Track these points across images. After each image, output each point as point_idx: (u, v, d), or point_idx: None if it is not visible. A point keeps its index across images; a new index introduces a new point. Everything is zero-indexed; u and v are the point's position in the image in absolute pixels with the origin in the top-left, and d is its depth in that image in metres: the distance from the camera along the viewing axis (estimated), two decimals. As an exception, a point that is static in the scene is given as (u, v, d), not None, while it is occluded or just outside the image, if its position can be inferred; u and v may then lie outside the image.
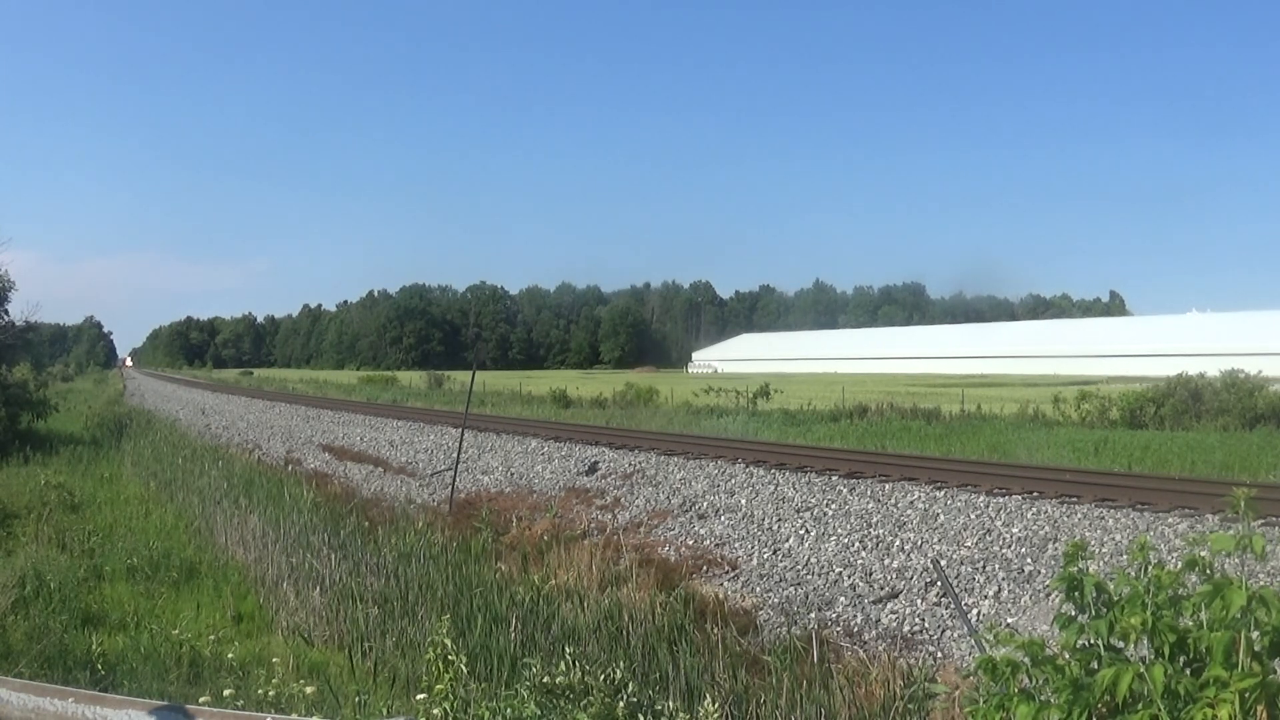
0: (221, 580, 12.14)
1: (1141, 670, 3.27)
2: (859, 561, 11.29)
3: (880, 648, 8.76)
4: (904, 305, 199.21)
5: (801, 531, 12.61)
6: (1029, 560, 10.44)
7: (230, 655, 8.05)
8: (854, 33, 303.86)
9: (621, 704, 5.22)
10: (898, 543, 11.62)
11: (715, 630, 8.87)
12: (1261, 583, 5.57)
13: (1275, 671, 3.31)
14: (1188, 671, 3.39)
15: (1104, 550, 10.36)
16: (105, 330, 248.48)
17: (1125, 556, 7.38)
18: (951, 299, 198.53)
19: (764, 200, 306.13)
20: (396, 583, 10.84)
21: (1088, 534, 10.95)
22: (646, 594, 10.04)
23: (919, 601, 9.87)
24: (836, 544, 11.95)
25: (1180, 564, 3.67)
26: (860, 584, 10.62)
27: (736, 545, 12.53)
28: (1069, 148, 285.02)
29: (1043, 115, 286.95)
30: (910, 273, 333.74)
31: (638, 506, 15.21)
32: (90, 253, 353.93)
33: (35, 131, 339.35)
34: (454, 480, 17.79)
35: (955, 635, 8.97)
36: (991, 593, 9.77)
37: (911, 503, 13.10)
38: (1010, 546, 10.95)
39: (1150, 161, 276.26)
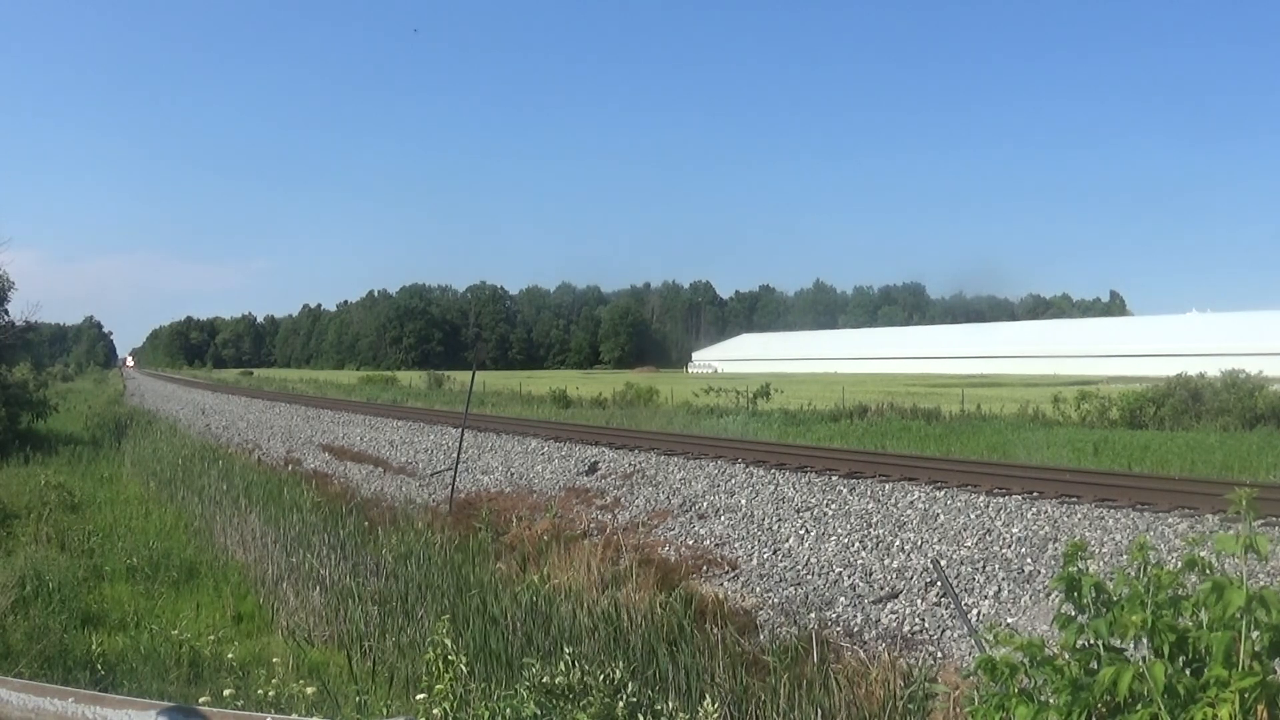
0: (221, 580, 12.14)
1: (1142, 669, 3.27)
2: (859, 561, 11.29)
3: (880, 648, 8.76)
4: (904, 305, 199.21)
5: (801, 531, 12.61)
6: (1029, 560, 10.44)
7: (230, 655, 8.06)
8: (854, 33, 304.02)
9: (621, 704, 5.22)
10: (898, 543, 11.61)
11: (715, 630, 8.86)
12: (1261, 583, 5.56)
13: (1275, 671, 3.31)
14: (1187, 671, 3.39)
15: (1104, 550, 10.35)
16: (105, 330, 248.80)
17: (1125, 556, 7.38)
18: (951, 299, 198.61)
19: (764, 200, 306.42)
20: (396, 583, 10.85)
21: (1088, 534, 10.95)
22: (646, 594, 10.04)
23: (919, 601, 9.87)
24: (836, 544, 11.95)
25: (1180, 564, 3.67)
26: (860, 584, 10.62)
27: (736, 545, 12.53)
28: (1069, 148, 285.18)
29: (1042, 115, 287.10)
30: (910, 273, 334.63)
31: (638, 506, 15.21)
32: (90, 253, 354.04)
33: (35, 131, 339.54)
34: (454, 480, 17.79)
35: (955, 635, 8.96)
36: (991, 593, 9.77)
37: (911, 503, 13.10)
38: (1010, 546, 10.94)
39: (1150, 161, 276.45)
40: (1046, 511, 11.96)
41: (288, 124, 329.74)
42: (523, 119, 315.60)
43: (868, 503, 13.38)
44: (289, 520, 14.15)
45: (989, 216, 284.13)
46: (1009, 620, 9.12)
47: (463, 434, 19.74)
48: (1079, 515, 11.71)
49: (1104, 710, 3.39)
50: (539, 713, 5.12)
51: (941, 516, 12.32)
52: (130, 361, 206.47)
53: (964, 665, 7.86)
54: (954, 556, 10.86)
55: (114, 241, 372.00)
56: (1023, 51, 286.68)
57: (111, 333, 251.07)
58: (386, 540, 13.01)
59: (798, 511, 13.46)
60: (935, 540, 11.47)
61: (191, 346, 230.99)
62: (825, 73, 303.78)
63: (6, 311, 30.39)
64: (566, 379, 75.19)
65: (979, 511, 12.28)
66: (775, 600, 10.42)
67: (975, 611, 9.45)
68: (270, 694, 6.39)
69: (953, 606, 9.25)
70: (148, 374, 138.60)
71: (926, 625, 9.31)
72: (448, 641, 5.18)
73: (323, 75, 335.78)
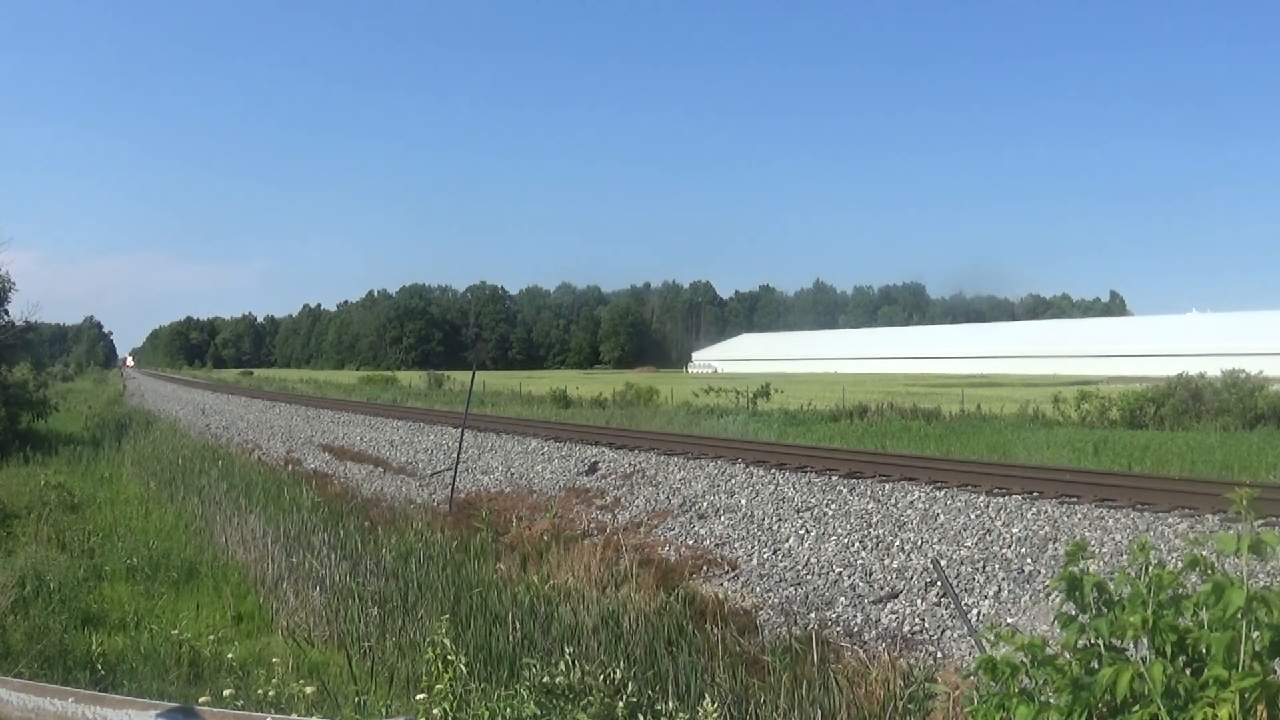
0: (221, 580, 12.14)
1: (1141, 670, 3.27)
2: (859, 561, 11.29)
3: (880, 648, 8.76)
4: (904, 305, 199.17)
5: (801, 531, 12.61)
6: (1029, 560, 10.44)
7: (230, 655, 8.05)
8: (853, 33, 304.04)
9: (621, 704, 5.22)
10: (898, 543, 11.61)
11: (715, 630, 8.86)
12: (1261, 583, 5.56)
13: (1275, 671, 3.31)
14: (1187, 671, 3.39)
15: (1104, 550, 10.35)
16: (105, 330, 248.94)
17: (1125, 556, 7.38)
18: (951, 299, 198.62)
19: (764, 200, 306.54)
20: (396, 583, 10.84)
21: (1088, 534, 10.95)
22: (646, 594, 10.04)
23: (919, 601, 9.87)
24: (836, 544, 11.95)
25: (1181, 564, 3.67)
26: (860, 584, 10.62)
27: (736, 545, 12.53)
28: (1069, 148, 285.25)
29: (1042, 115, 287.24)
30: (910, 273, 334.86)
31: (638, 506, 15.20)
32: (90, 253, 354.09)
33: (35, 132, 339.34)
34: (454, 480, 17.78)
35: (955, 635, 8.96)
36: (991, 593, 9.77)
37: (911, 503, 13.10)
38: (1010, 546, 10.94)
39: (1150, 161, 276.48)
40: (1046, 511, 11.96)
41: (288, 124, 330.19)
42: (523, 119, 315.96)
43: (868, 503, 13.38)
44: (289, 520, 14.13)
45: (989, 216, 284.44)
46: (1009, 620, 9.12)
47: (463, 434, 19.74)
48: (1079, 515, 11.71)
49: (1105, 710, 3.39)
50: (539, 713, 5.12)
51: (941, 516, 12.31)
52: (130, 361, 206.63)
53: (964, 665, 7.85)
54: (954, 556, 10.86)
55: (114, 241, 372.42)
56: (1023, 51, 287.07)
57: (111, 333, 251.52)
58: (386, 540, 13.00)
59: (798, 511, 13.46)
60: (935, 540, 11.47)
61: (191, 346, 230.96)
62: (825, 73, 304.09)
63: (6, 311, 30.39)
64: (566, 379, 75.18)
65: (979, 511, 12.27)
66: (775, 600, 10.42)
67: (975, 611, 9.45)
68: (270, 694, 6.38)
69: (953, 606, 9.25)
70: (148, 374, 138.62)
71: (926, 625, 9.31)
72: (447, 641, 5.18)
73: (323, 75, 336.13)
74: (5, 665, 7.17)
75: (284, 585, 11.23)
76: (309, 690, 6.41)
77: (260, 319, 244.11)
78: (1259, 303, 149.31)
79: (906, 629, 9.29)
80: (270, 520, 14.22)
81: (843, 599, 10.23)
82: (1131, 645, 3.53)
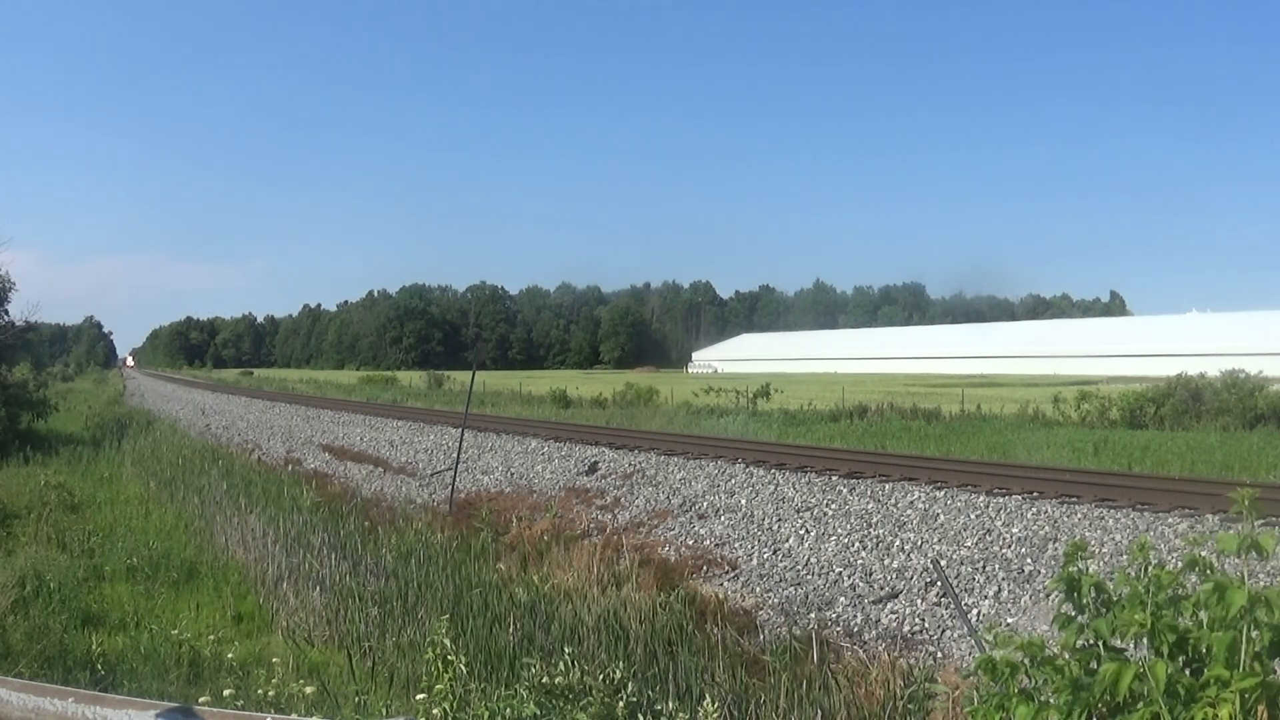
0: (221, 580, 12.14)
1: (1142, 669, 3.27)
2: (859, 561, 11.29)
3: (880, 648, 8.76)
4: (904, 305, 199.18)
5: (801, 531, 12.61)
6: (1029, 560, 10.44)
7: (230, 655, 8.05)
8: (853, 33, 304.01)
9: (621, 704, 5.22)
10: (898, 543, 11.61)
11: (715, 630, 8.86)
12: (1262, 583, 5.56)
13: (1275, 671, 3.31)
14: (1187, 671, 3.39)
15: (1104, 550, 10.36)
16: (105, 330, 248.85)
17: (1125, 556, 7.39)
18: (951, 299, 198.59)
19: (764, 200, 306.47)
20: (396, 583, 10.84)
21: (1088, 534, 10.95)
22: (646, 594, 10.04)
23: (919, 601, 9.87)
24: (836, 544, 11.95)
25: (1180, 564, 3.67)
26: (860, 584, 10.62)
27: (736, 545, 12.53)
28: (1069, 148, 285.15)
29: (1042, 115, 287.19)
30: (910, 273, 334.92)
31: (638, 506, 15.20)
32: (90, 253, 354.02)
33: (35, 132, 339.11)
34: (454, 480, 17.78)
35: (955, 635, 8.96)
36: (991, 593, 9.77)
37: (911, 503, 13.10)
38: (1010, 546, 10.94)
39: (1150, 161, 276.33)
40: (1046, 511, 11.96)
41: (288, 124, 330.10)
42: (523, 119, 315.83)
43: (868, 503, 13.38)
44: (289, 520, 14.13)
45: (989, 216, 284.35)
46: (1009, 620, 9.12)
47: (463, 434, 19.74)
48: (1079, 515, 11.71)
49: (1104, 710, 3.39)
50: (539, 713, 5.12)
51: (941, 516, 12.31)
52: (130, 361, 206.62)
53: (964, 665, 7.86)
54: (954, 556, 10.86)
55: (114, 241, 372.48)
56: (1023, 51, 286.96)
57: (111, 333, 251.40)
58: (386, 540, 13.00)
59: (798, 511, 13.46)
60: (935, 540, 11.47)
61: (191, 346, 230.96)
62: (825, 73, 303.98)
63: (6, 312, 30.37)
64: (566, 379, 75.16)
65: (979, 511, 12.27)
66: (775, 600, 10.42)
67: (975, 611, 9.44)
68: (270, 694, 6.38)
69: (953, 606, 9.25)
70: (148, 374, 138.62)
71: (926, 625, 9.31)
72: (447, 641, 5.19)
73: (323, 75, 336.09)
74: (5, 665, 7.17)
75: (284, 585, 11.23)
76: (309, 690, 6.41)
77: (260, 319, 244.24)
78: (1259, 303, 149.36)
79: (906, 629, 9.29)
80: (270, 520, 14.22)
81: (843, 599, 10.23)
82: (1130, 646, 3.53)
